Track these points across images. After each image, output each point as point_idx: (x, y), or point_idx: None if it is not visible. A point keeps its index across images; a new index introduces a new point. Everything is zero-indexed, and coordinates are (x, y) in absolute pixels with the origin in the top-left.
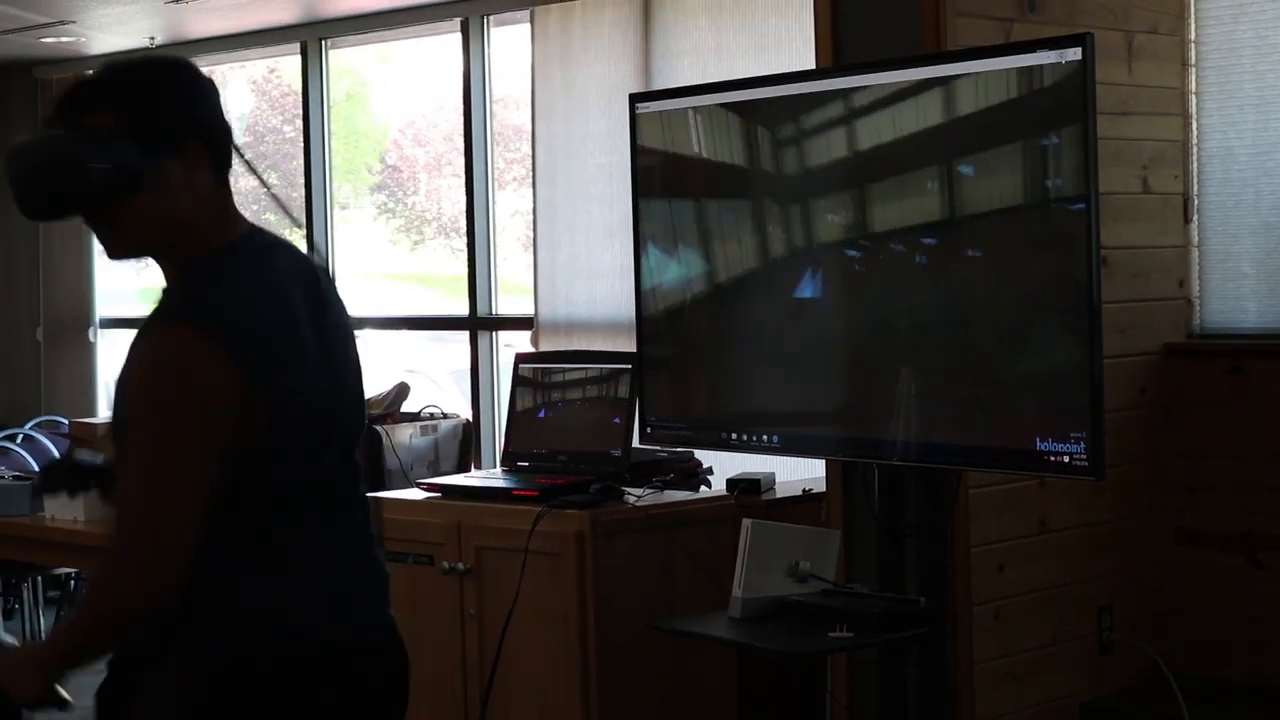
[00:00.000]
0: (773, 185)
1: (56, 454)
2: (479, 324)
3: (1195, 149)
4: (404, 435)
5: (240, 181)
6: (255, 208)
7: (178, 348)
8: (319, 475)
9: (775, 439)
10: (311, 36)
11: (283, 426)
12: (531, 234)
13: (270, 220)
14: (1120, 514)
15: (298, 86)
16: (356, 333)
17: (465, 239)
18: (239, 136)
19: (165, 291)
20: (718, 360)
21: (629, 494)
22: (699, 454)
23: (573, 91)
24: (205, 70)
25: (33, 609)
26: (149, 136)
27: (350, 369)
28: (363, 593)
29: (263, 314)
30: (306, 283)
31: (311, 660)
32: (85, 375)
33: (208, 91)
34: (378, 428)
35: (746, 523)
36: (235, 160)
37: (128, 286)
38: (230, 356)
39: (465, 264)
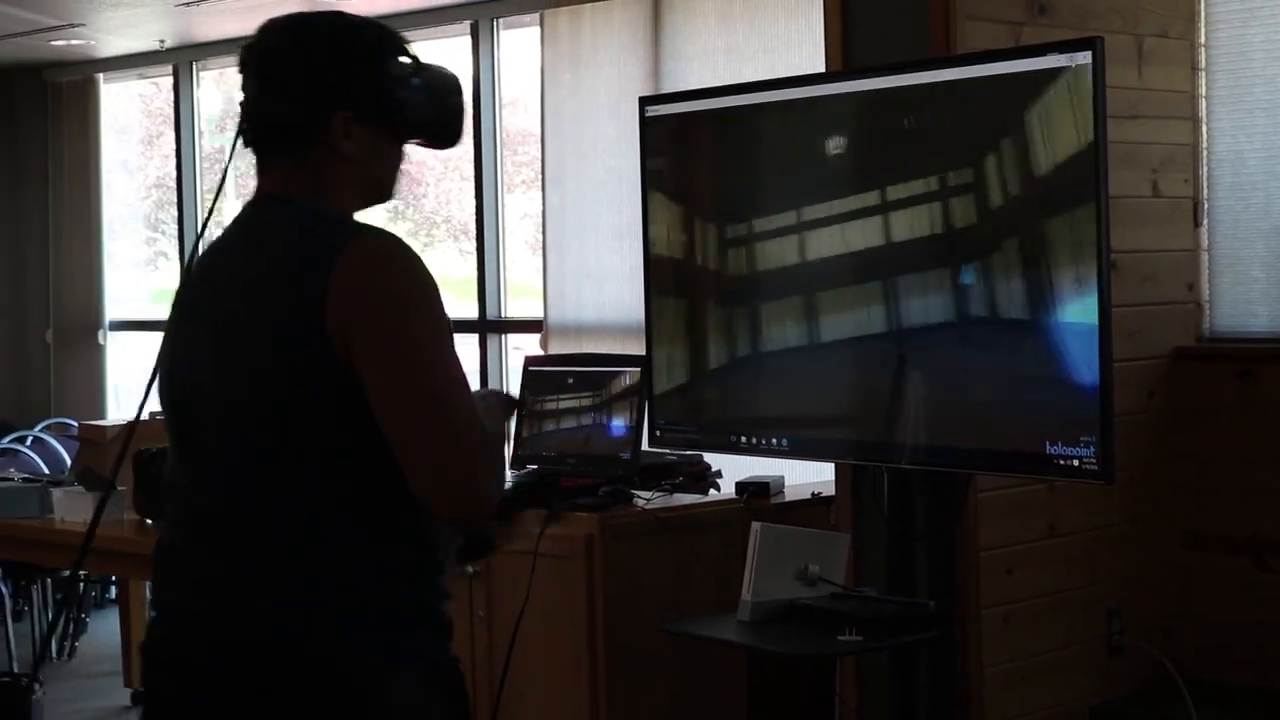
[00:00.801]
0: (782, 187)
1: (66, 456)
2: (488, 327)
3: (1205, 153)
4: None
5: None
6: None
7: None
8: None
9: (784, 442)
10: None
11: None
12: (540, 237)
13: None
14: (1129, 517)
15: None
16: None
17: (474, 242)
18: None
19: None
20: (727, 363)
21: (638, 497)
22: (708, 457)
23: (582, 94)
24: (215, 73)
25: (42, 611)
26: None
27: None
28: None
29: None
30: (229, 267)
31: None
32: (95, 378)
33: None
34: None
35: (756, 526)
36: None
37: (137, 289)
38: None
39: (475, 267)
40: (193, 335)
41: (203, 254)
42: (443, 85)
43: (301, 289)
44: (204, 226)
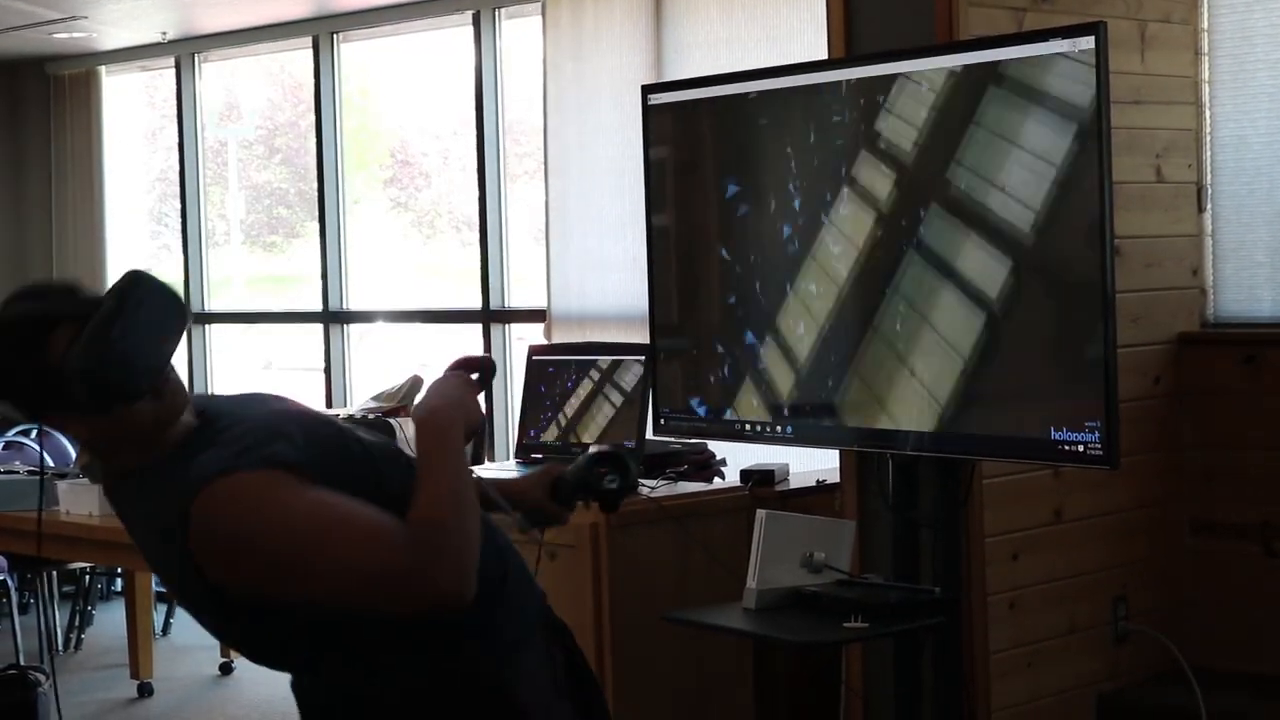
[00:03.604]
0: (785, 175)
1: (70, 449)
2: (492, 317)
3: (1209, 137)
4: None
5: (261, 174)
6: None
7: None
8: None
9: (789, 430)
10: (323, 30)
11: None
12: (544, 227)
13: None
14: (1135, 503)
15: (310, 80)
16: None
17: (478, 233)
18: (251, 131)
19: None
20: (731, 352)
21: (643, 486)
22: (713, 445)
23: (584, 84)
24: (217, 65)
25: (47, 603)
26: None
27: None
28: None
29: None
30: None
31: None
32: None
33: None
34: (391, 421)
35: (761, 514)
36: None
37: None
38: None
39: (478, 258)
40: None
41: None
42: (89, 357)
43: (175, 553)
44: None
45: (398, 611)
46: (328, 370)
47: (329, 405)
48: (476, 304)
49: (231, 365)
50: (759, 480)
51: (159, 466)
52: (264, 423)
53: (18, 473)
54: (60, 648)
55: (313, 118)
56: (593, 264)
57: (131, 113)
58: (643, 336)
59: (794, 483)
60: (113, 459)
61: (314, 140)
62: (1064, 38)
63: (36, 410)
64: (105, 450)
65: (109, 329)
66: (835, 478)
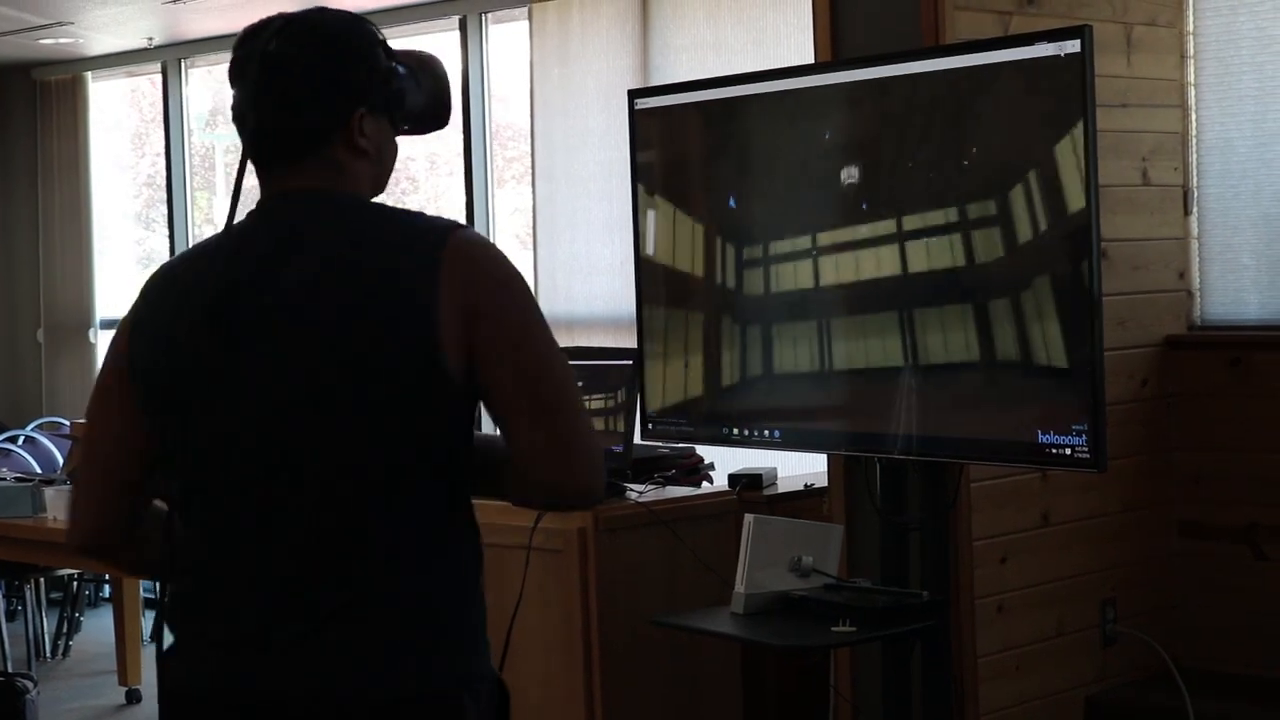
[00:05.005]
0: (772, 180)
1: (58, 455)
2: None
3: (1194, 141)
4: None
5: (248, 179)
6: None
7: None
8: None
9: (777, 434)
10: None
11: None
12: (531, 231)
13: None
14: (1123, 506)
15: None
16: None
17: None
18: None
19: None
20: (719, 355)
21: (631, 490)
22: (700, 450)
23: (571, 88)
24: (204, 70)
25: (35, 610)
26: None
27: (267, 403)
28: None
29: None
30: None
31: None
32: (86, 376)
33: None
34: None
35: (749, 518)
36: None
37: (128, 287)
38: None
39: None
40: (242, 355)
41: (217, 262)
42: (428, 70)
43: (407, 287)
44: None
45: (543, 461)
46: None
47: None
48: None
49: None
50: (747, 484)
51: (373, 214)
52: None
53: (5, 479)
54: (48, 654)
55: None
56: (580, 268)
57: (118, 118)
58: (630, 340)
59: (782, 487)
60: (346, 179)
61: None
62: (1049, 41)
63: (362, 97)
64: (367, 174)
65: (432, 66)
66: (823, 482)
